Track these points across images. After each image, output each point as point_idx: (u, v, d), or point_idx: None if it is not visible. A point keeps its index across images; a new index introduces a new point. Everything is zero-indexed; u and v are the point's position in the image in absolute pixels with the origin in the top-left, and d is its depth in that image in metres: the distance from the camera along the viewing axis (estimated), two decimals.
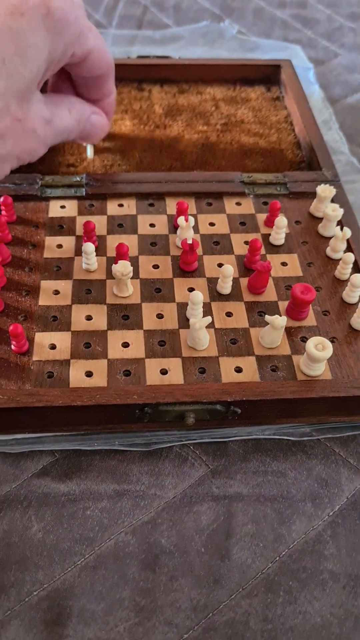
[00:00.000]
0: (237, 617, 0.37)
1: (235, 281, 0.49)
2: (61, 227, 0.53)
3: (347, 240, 0.52)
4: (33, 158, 0.43)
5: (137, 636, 0.36)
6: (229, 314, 0.47)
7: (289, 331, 0.46)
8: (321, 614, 0.37)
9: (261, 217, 0.55)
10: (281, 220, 0.51)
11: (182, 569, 0.39)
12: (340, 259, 0.51)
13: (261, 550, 0.40)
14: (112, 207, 0.55)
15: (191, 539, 0.40)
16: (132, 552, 0.39)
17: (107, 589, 0.38)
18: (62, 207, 0.54)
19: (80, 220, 0.53)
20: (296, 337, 0.46)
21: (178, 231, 0.52)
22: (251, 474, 0.43)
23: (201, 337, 0.44)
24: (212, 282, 0.49)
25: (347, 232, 0.50)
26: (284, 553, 0.40)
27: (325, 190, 0.54)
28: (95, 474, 0.43)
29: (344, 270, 0.50)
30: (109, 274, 0.49)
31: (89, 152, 0.61)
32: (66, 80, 0.49)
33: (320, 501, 0.42)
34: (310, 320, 0.47)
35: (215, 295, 0.48)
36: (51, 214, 0.54)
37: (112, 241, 0.52)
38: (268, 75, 0.73)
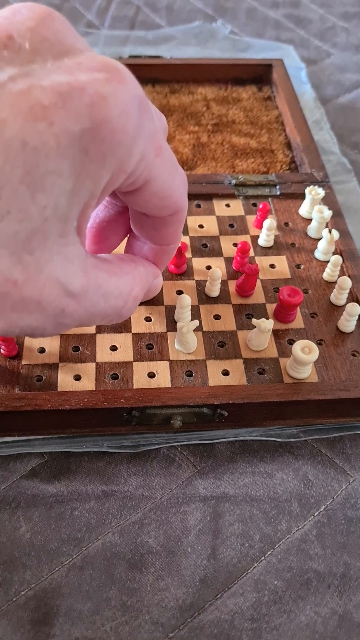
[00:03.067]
0: (222, 616, 0.38)
1: (224, 284, 0.50)
2: None
3: (336, 242, 0.52)
4: (33, 336, 0.26)
5: (123, 635, 0.36)
6: (217, 317, 0.47)
7: (276, 334, 0.46)
8: (306, 613, 0.38)
9: (250, 219, 0.55)
10: (270, 222, 0.52)
11: (168, 568, 0.39)
12: (328, 261, 0.51)
13: (247, 550, 0.40)
14: None
15: (178, 539, 0.40)
16: (119, 552, 0.40)
17: (94, 589, 0.38)
18: None
19: None
20: (283, 339, 0.46)
21: None
22: (238, 475, 0.44)
23: (189, 341, 0.44)
24: (201, 284, 0.50)
25: (335, 234, 0.51)
26: (269, 553, 0.40)
27: (314, 192, 0.55)
28: (84, 475, 0.43)
29: (332, 272, 0.50)
30: None
31: None
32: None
33: (307, 501, 0.43)
34: (298, 322, 0.47)
35: (203, 297, 0.49)
36: None
37: None
38: (260, 75, 0.74)
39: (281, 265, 0.52)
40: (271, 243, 0.53)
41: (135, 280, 0.29)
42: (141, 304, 0.48)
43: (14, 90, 0.20)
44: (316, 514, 0.42)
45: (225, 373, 0.44)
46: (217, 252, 0.52)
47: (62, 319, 0.25)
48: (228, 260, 0.52)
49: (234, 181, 0.58)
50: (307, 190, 0.55)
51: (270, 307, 0.48)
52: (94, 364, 0.44)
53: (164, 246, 0.33)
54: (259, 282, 0.50)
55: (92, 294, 0.26)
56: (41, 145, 0.21)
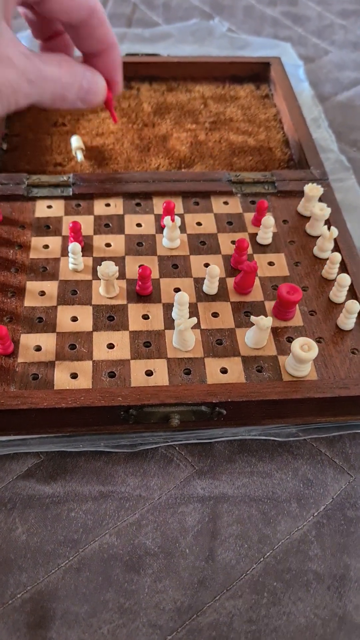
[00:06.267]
0: (221, 618, 0.37)
1: (222, 281, 0.49)
2: (47, 227, 0.53)
3: (334, 240, 0.52)
4: (17, 97, 0.36)
5: (120, 638, 0.36)
6: (215, 315, 0.47)
7: (275, 331, 0.46)
8: (305, 614, 0.37)
9: (248, 217, 0.55)
10: (268, 220, 0.51)
11: (166, 570, 0.39)
12: (327, 259, 0.51)
13: (246, 551, 0.40)
14: (99, 207, 0.55)
15: (176, 540, 0.40)
16: (116, 554, 0.39)
17: (91, 591, 0.38)
18: (49, 207, 0.54)
19: (67, 221, 0.53)
20: (282, 337, 0.46)
21: (165, 231, 0.51)
22: (237, 475, 0.43)
23: (187, 338, 0.44)
24: (199, 282, 0.49)
25: (334, 231, 0.50)
26: (268, 554, 0.40)
27: (312, 189, 0.54)
28: (80, 475, 0.42)
29: (331, 269, 0.50)
30: (95, 275, 0.49)
31: (79, 157, 0.61)
32: (62, 41, 0.43)
33: (306, 502, 0.42)
34: (297, 320, 0.47)
35: (201, 295, 0.48)
36: (37, 214, 0.54)
37: (99, 241, 0.52)
38: (257, 73, 0.73)
39: (280, 262, 0.51)
40: (269, 240, 0.53)
41: (60, 62, 0.38)
42: (138, 301, 0.47)
43: None
44: (315, 514, 0.42)
45: (224, 371, 0.43)
46: (215, 250, 0.52)
47: (29, 75, 0.35)
48: (226, 258, 0.51)
49: (232, 178, 0.57)
50: (305, 188, 0.54)
51: (269, 305, 0.48)
52: (90, 362, 0.43)
53: (104, 55, 0.42)
54: (257, 280, 0.49)
55: (40, 62, 0.36)
56: None
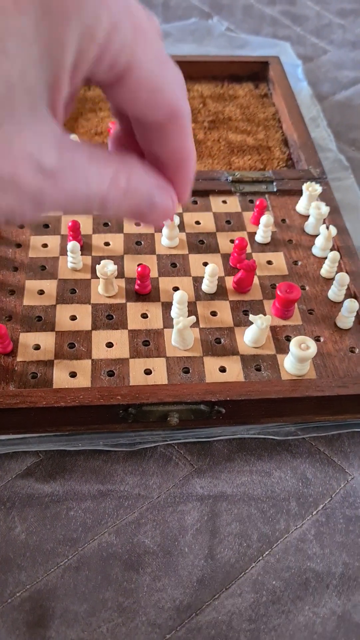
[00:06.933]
0: (220, 617, 0.37)
1: (221, 280, 0.49)
2: (46, 226, 0.53)
3: (333, 239, 0.52)
4: (13, 220, 0.26)
5: (119, 637, 0.36)
6: (214, 313, 0.47)
7: (274, 330, 0.46)
8: (304, 613, 0.37)
9: (247, 215, 0.55)
10: (267, 219, 0.51)
11: (165, 569, 0.39)
12: (326, 258, 0.51)
13: (245, 550, 0.40)
14: None
15: (175, 539, 0.40)
16: (115, 553, 0.39)
17: (90, 590, 0.37)
18: None
19: (66, 219, 0.53)
20: (281, 336, 0.46)
21: (163, 230, 0.51)
22: (236, 474, 0.43)
23: (186, 337, 0.44)
24: (198, 281, 0.49)
25: (333, 230, 0.50)
26: (267, 552, 0.40)
27: (311, 189, 0.54)
28: (80, 474, 0.42)
29: (329, 268, 0.50)
30: (94, 274, 0.49)
31: None
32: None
33: (305, 500, 0.42)
34: (296, 319, 0.47)
35: (200, 294, 0.48)
36: None
37: (98, 240, 0.52)
38: (256, 72, 0.73)
39: (278, 261, 0.51)
40: (268, 239, 0.53)
41: (120, 169, 0.26)
42: (137, 300, 0.47)
43: None
44: (314, 513, 0.42)
45: (223, 370, 0.43)
46: (213, 249, 0.52)
47: (40, 199, 0.24)
48: (225, 257, 0.51)
49: (230, 178, 0.57)
50: (304, 187, 0.54)
51: (268, 304, 0.48)
52: (89, 361, 0.43)
53: (178, 164, 0.29)
54: (256, 279, 0.49)
55: (69, 175, 0.24)
56: None
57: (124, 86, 0.25)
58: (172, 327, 0.45)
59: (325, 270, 0.50)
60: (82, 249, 0.50)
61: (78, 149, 0.25)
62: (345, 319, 0.46)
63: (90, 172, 0.25)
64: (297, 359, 0.42)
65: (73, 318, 0.46)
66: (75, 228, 0.50)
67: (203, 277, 0.48)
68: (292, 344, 0.42)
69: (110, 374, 0.43)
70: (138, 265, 0.48)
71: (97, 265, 0.46)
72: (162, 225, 0.33)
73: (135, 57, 0.23)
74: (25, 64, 0.21)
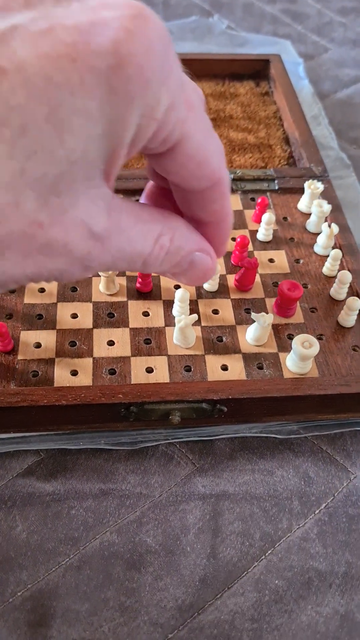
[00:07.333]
0: (222, 616, 0.37)
1: (222, 278, 0.49)
2: None
3: (335, 237, 0.52)
4: (61, 280, 0.26)
5: (121, 636, 0.36)
6: (215, 312, 0.47)
7: (276, 328, 0.46)
8: (307, 613, 0.37)
9: (249, 214, 0.55)
10: (269, 217, 0.51)
11: (167, 568, 0.38)
12: (328, 256, 0.50)
13: (247, 549, 0.39)
14: None
15: (177, 538, 0.40)
16: (117, 552, 0.39)
17: (92, 589, 0.37)
18: None
19: None
20: (283, 334, 0.46)
21: None
22: (238, 472, 0.43)
23: (187, 335, 0.44)
24: None
25: (335, 228, 0.50)
26: (270, 552, 0.39)
27: (313, 186, 0.54)
28: (81, 473, 0.42)
29: (331, 266, 0.50)
30: None
31: None
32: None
33: (307, 499, 0.42)
34: (298, 317, 0.47)
35: (202, 292, 0.48)
36: None
37: None
38: (257, 70, 0.73)
39: (280, 259, 0.51)
40: (270, 237, 0.52)
41: (164, 229, 0.27)
42: (139, 298, 0.47)
43: (34, 30, 0.20)
44: (317, 512, 0.42)
45: (224, 368, 0.43)
46: None
47: (88, 262, 0.24)
48: (226, 255, 0.51)
49: (231, 175, 0.57)
50: (306, 185, 0.54)
51: (270, 302, 0.48)
52: (91, 359, 0.43)
53: (216, 225, 0.30)
54: (258, 277, 0.49)
55: (116, 237, 0.25)
56: (65, 81, 0.20)
57: (172, 158, 0.25)
58: (173, 325, 0.45)
59: (327, 268, 0.50)
60: None
61: (125, 210, 0.25)
62: (347, 317, 0.46)
63: (135, 233, 0.26)
64: (300, 357, 0.42)
65: (74, 316, 0.46)
66: None
67: None
68: (295, 342, 0.41)
69: (112, 372, 0.42)
70: None
71: None
72: (201, 283, 0.33)
73: (186, 132, 0.24)
74: (88, 140, 0.22)
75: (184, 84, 0.24)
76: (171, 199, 0.30)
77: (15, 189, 0.21)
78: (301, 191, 0.56)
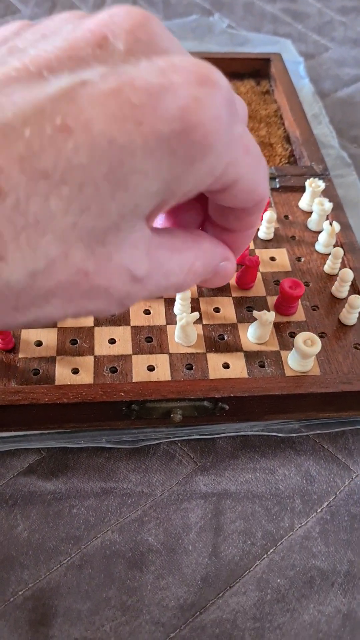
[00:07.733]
0: (224, 615, 0.37)
1: None
2: None
3: (336, 235, 0.52)
4: (97, 316, 0.29)
5: (123, 636, 0.35)
6: (217, 310, 0.46)
7: (277, 326, 0.46)
8: (309, 612, 0.37)
9: None
10: (270, 215, 0.51)
11: (169, 567, 0.38)
12: (329, 254, 0.50)
13: (249, 548, 0.39)
14: None
15: (178, 537, 0.39)
16: (118, 551, 0.39)
17: (93, 588, 0.37)
18: None
19: None
20: (285, 332, 0.45)
21: None
22: (239, 471, 0.43)
23: (189, 333, 0.43)
24: None
25: (336, 226, 0.50)
26: (272, 550, 0.39)
27: (314, 185, 0.54)
28: (82, 472, 0.42)
29: (333, 265, 0.50)
30: None
31: None
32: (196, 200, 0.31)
33: (309, 498, 0.42)
34: (299, 315, 0.47)
35: (203, 290, 0.48)
36: None
37: None
38: (258, 69, 0.73)
39: (281, 257, 0.51)
40: (271, 235, 0.52)
41: (197, 255, 0.28)
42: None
43: (104, 89, 0.20)
44: (319, 510, 0.41)
45: (226, 366, 0.43)
46: None
47: (127, 301, 0.25)
48: None
49: None
50: (307, 183, 0.54)
51: (271, 300, 0.47)
52: (92, 357, 0.43)
53: (241, 233, 0.31)
54: (259, 275, 0.49)
55: (154, 275, 0.25)
56: (128, 143, 0.20)
57: (227, 193, 0.26)
58: (175, 323, 0.45)
59: (329, 266, 0.50)
60: None
61: (162, 245, 0.26)
62: (349, 316, 0.46)
63: (172, 267, 0.26)
64: (302, 356, 0.42)
65: None
66: None
67: None
68: (297, 340, 0.41)
69: (113, 370, 0.42)
70: None
71: None
72: (221, 286, 0.35)
73: (240, 173, 0.24)
74: (141, 197, 0.22)
75: (244, 132, 0.24)
76: (195, 204, 0.30)
77: (66, 242, 0.21)
78: (302, 189, 0.56)
